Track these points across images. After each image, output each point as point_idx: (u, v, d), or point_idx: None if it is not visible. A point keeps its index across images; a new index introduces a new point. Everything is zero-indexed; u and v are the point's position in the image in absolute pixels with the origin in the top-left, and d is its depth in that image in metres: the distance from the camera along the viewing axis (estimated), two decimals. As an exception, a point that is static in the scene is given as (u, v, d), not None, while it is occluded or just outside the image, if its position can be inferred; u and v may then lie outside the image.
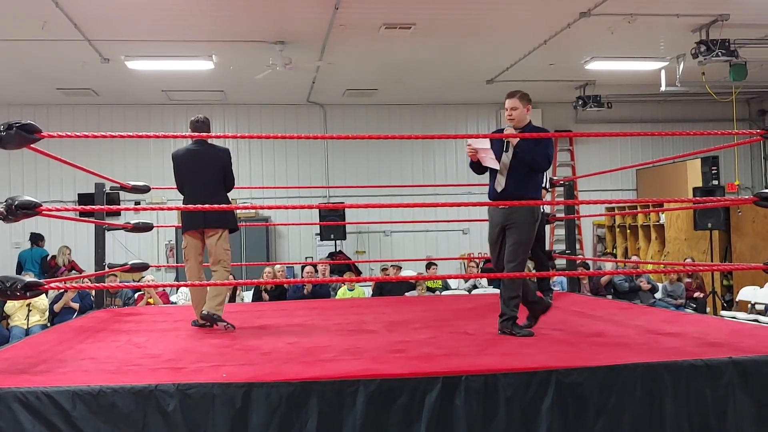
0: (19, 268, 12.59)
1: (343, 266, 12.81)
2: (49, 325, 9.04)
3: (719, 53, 9.51)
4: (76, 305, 9.31)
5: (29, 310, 9.18)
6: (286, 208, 5.29)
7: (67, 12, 8.60)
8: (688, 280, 11.28)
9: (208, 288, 5.52)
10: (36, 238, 12.97)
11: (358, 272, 13.66)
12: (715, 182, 12.52)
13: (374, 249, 14.73)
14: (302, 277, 11.31)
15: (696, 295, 11.16)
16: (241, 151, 14.41)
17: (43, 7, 8.32)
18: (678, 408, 3.61)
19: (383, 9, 8.91)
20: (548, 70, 12.18)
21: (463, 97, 14.32)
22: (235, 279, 10.39)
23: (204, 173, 5.62)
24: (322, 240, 13.71)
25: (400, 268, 11.83)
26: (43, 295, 8.30)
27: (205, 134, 5.59)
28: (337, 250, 13.58)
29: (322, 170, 14.66)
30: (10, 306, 9.15)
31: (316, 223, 13.16)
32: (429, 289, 11.09)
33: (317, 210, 12.55)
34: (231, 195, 14.42)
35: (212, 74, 11.71)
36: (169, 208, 5.59)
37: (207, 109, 14.19)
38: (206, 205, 5.01)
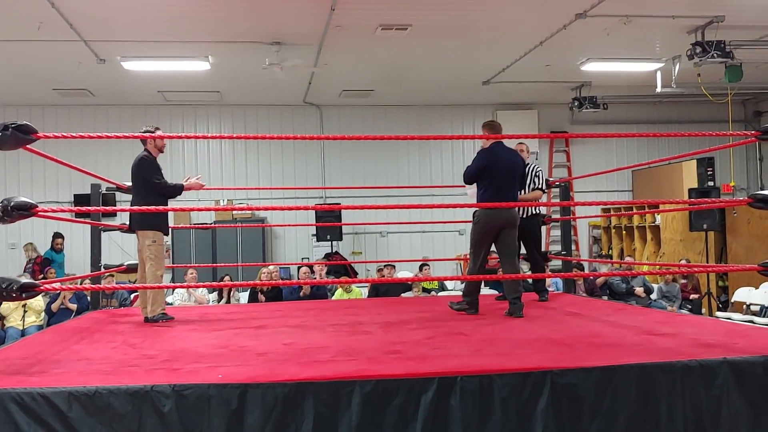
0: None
1: (339, 267, 12.80)
2: (45, 325, 9.04)
3: (715, 54, 9.54)
4: (73, 306, 9.31)
5: (25, 311, 9.17)
6: (283, 209, 5.29)
7: (63, 12, 8.60)
8: (684, 281, 11.30)
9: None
10: (54, 236, 13.01)
11: (355, 273, 13.66)
12: (711, 183, 12.55)
13: (370, 250, 14.74)
14: (298, 277, 11.30)
15: (691, 296, 11.19)
16: (238, 152, 14.42)
17: (39, 7, 8.32)
18: (673, 408, 3.62)
19: (379, 10, 8.92)
20: (544, 71, 12.20)
21: (459, 98, 14.34)
22: (229, 280, 10.40)
23: (133, 180, 6.21)
24: (318, 241, 13.70)
25: (394, 267, 11.83)
26: (39, 296, 8.30)
27: (194, 135, 5.80)
28: (334, 251, 13.58)
29: (319, 171, 14.66)
30: (6, 307, 9.15)
31: (312, 224, 13.17)
32: (425, 289, 11.09)
33: (313, 211, 12.57)
34: (227, 195, 14.38)
35: (208, 75, 11.70)
36: (165, 209, 5.61)
37: (203, 109, 14.21)
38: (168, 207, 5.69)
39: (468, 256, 6.46)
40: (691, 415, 3.64)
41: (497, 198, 5.83)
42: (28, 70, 11.32)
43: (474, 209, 6.21)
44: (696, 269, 10.88)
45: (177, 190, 6.14)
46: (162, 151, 6.24)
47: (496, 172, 5.93)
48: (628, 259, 13.40)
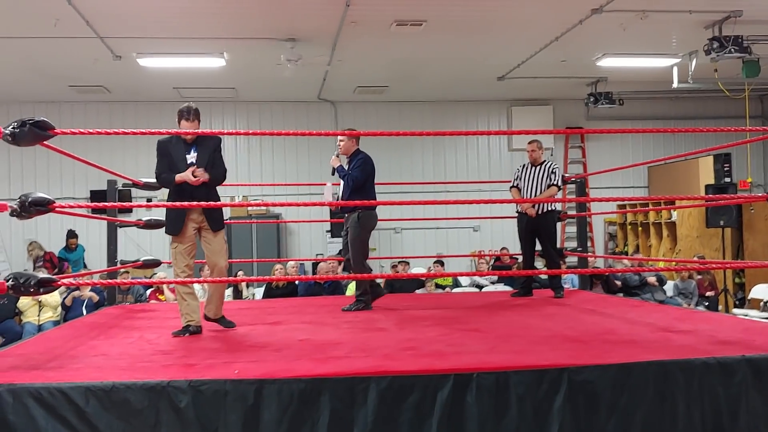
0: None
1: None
2: (61, 321, 9.11)
3: (732, 50, 9.44)
4: (96, 296, 9.34)
5: (41, 307, 9.23)
6: (297, 205, 5.30)
7: (79, 9, 8.63)
8: (700, 277, 11.23)
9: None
10: (68, 236, 13.12)
11: (369, 269, 13.65)
12: (728, 179, 12.46)
13: (384, 246, 14.72)
14: (317, 272, 11.32)
15: (708, 293, 11.11)
16: (252, 148, 14.46)
17: (56, 4, 8.36)
18: (691, 406, 3.59)
19: (394, 6, 8.89)
20: (560, 67, 12.14)
21: (474, 94, 14.29)
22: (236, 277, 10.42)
23: None
24: (332, 237, 13.71)
25: (408, 263, 11.82)
26: (56, 291, 8.35)
27: (209, 132, 5.74)
28: (348, 247, 13.56)
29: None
30: (23, 302, 9.21)
31: (326, 220, 13.16)
32: (438, 286, 11.09)
33: (328, 207, 12.58)
34: (242, 191, 14.41)
35: (224, 71, 11.73)
36: (182, 205, 5.56)
37: (218, 105, 14.24)
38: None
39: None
40: (709, 413, 3.61)
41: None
42: (44, 67, 11.39)
43: (357, 209, 6.74)
44: (713, 266, 10.81)
45: (167, 183, 5.36)
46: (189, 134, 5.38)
47: (373, 178, 6.97)
48: (637, 255, 13.35)
